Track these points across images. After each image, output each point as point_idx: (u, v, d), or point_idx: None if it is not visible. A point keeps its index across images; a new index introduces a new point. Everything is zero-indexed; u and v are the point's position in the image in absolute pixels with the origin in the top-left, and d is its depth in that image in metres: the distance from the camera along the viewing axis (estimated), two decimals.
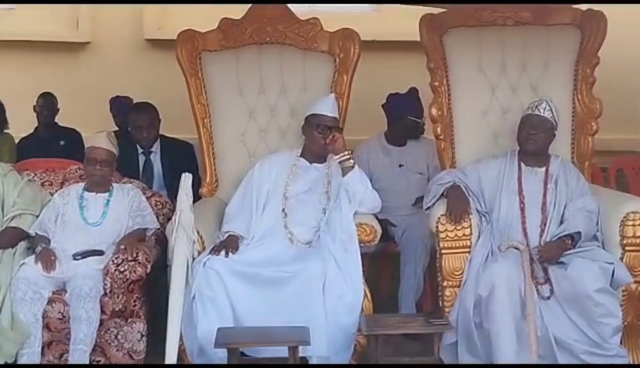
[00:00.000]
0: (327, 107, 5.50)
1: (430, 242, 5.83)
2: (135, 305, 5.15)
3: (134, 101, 6.89)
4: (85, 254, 5.22)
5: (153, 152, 6.48)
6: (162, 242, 5.40)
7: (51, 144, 7.08)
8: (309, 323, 4.82)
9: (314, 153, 5.52)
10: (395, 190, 6.29)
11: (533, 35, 5.75)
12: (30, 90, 7.45)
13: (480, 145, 5.70)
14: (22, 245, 5.39)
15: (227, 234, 5.30)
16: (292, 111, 5.91)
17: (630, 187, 6.81)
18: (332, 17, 6.22)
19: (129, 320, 5.14)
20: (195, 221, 5.05)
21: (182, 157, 6.39)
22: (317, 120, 5.47)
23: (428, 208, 5.35)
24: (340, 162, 5.34)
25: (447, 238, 5.19)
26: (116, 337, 5.13)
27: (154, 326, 5.21)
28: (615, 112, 6.32)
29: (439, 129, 5.71)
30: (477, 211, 5.33)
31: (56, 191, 5.65)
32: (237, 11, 6.02)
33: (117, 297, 5.10)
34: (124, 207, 5.47)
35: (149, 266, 5.15)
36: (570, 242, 5.12)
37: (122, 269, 5.09)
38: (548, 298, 5.01)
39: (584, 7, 5.78)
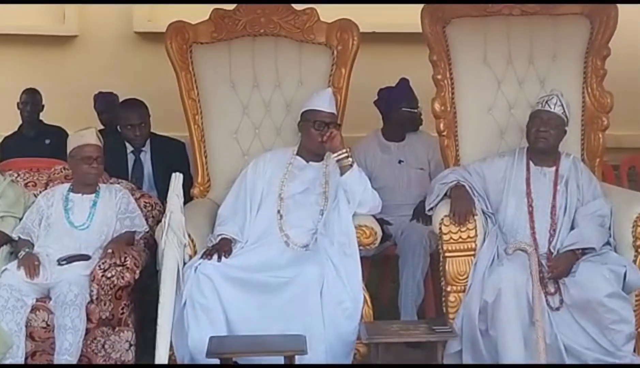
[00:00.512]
0: (324, 102, 5.31)
1: (429, 244, 5.68)
2: (123, 313, 4.98)
3: (124, 97, 6.66)
4: (70, 259, 5.03)
5: (143, 151, 6.28)
6: (151, 245, 5.25)
7: (36, 143, 6.89)
8: (306, 331, 4.65)
9: (311, 151, 5.32)
10: (395, 188, 6.10)
11: (540, 25, 5.57)
12: (14, 87, 7.23)
13: (485, 142, 5.53)
14: (4, 249, 5.22)
15: (219, 237, 5.11)
16: (287, 107, 5.72)
17: None
18: (329, 7, 6.00)
19: (117, 328, 4.97)
20: (186, 223, 4.88)
21: (174, 156, 6.19)
22: (313, 116, 5.27)
23: (431, 209, 5.15)
24: (337, 161, 5.13)
25: (451, 240, 5.00)
26: (103, 346, 4.96)
27: (143, 335, 5.03)
28: (627, 107, 6.18)
29: (442, 125, 5.53)
30: (483, 212, 5.14)
31: (40, 192, 5.48)
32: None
33: (104, 305, 4.93)
34: (112, 208, 5.29)
35: (137, 271, 4.98)
36: (580, 251, 4.94)
37: (109, 275, 4.91)
38: (557, 309, 4.84)
39: None
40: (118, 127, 6.29)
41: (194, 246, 5.01)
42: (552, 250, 5.01)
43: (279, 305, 4.81)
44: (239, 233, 5.15)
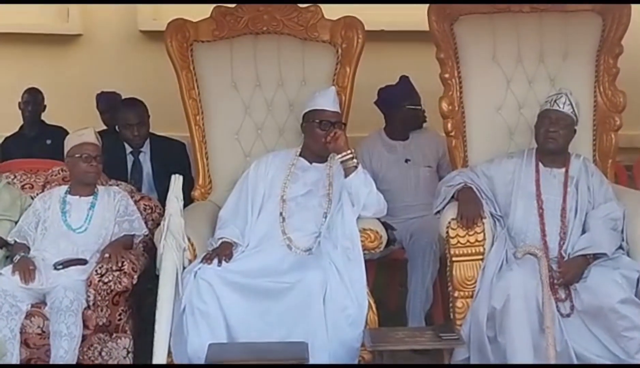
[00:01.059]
0: (328, 101, 5.19)
1: (440, 248, 5.54)
2: (120, 319, 4.88)
3: (124, 97, 6.61)
4: (66, 263, 4.94)
5: (142, 151, 6.19)
6: (150, 249, 5.14)
7: (37, 143, 6.82)
8: (308, 338, 4.54)
9: (315, 152, 5.20)
10: (403, 188, 5.98)
11: (551, 22, 5.44)
12: (16, 87, 7.15)
13: (494, 142, 5.40)
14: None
15: (220, 241, 4.99)
16: (290, 106, 5.60)
17: None
18: (333, 5, 5.87)
19: (114, 335, 4.87)
20: (186, 227, 4.78)
21: (174, 157, 6.10)
22: (318, 115, 5.15)
23: (438, 212, 5.01)
24: (342, 162, 4.99)
25: (459, 244, 4.86)
26: (100, 353, 4.85)
27: (141, 342, 4.93)
28: None
29: (449, 125, 5.41)
30: (491, 215, 5.00)
31: (37, 195, 5.39)
32: None
33: (101, 311, 4.83)
34: (110, 211, 5.20)
35: (135, 276, 4.88)
36: (592, 256, 4.81)
37: (106, 280, 4.82)
38: (568, 315, 4.71)
39: None
40: (117, 127, 6.22)
41: (194, 250, 4.90)
42: (562, 254, 4.88)
43: (280, 311, 4.70)
44: (239, 236, 5.03)
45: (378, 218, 5.09)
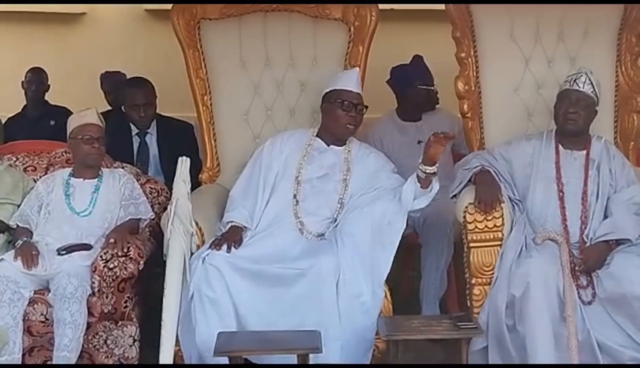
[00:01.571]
0: (352, 82, 5.04)
1: (454, 232, 5.40)
2: (126, 307, 4.76)
3: (131, 76, 6.47)
4: (70, 248, 4.82)
5: (149, 133, 6.07)
6: (157, 234, 5.01)
7: (40, 124, 6.71)
8: (320, 327, 4.40)
9: (334, 134, 5.04)
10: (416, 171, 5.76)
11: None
12: (19, 67, 7.08)
13: (512, 124, 5.26)
14: (1, 238, 5.02)
15: (229, 225, 4.85)
16: (301, 86, 5.48)
17: None
18: None
19: (120, 323, 4.75)
20: (193, 211, 4.65)
21: (181, 139, 5.98)
22: (341, 96, 4.99)
23: (454, 195, 4.87)
24: (427, 174, 4.72)
25: (476, 229, 4.70)
26: (105, 342, 4.74)
27: (148, 330, 4.81)
28: None
29: (466, 106, 5.27)
30: (509, 199, 4.85)
31: (40, 177, 5.27)
32: None
33: (106, 297, 4.71)
34: (115, 194, 5.08)
35: (141, 262, 4.76)
36: (614, 242, 4.67)
37: (111, 266, 4.70)
38: (590, 303, 4.57)
39: None
40: (123, 108, 6.11)
41: (202, 235, 4.79)
42: (584, 239, 4.74)
43: (291, 298, 4.57)
44: (249, 219, 4.89)
45: None
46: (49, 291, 4.67)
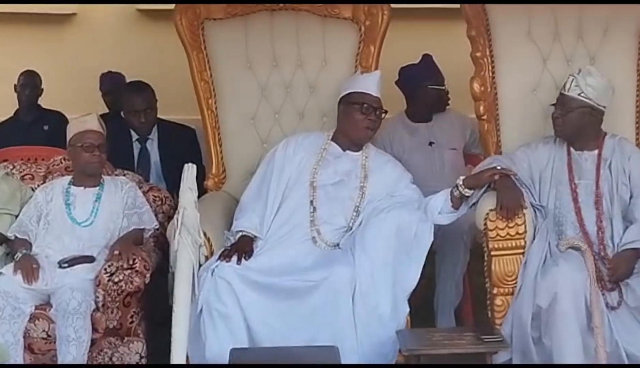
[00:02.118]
0: (373, 85, 4.87)
1: (470, 238, 5.27)
2: (132, 322, 4.62)
3: (130, 81, 6.36)
4: (72, 261, 4.67)
5: (150, 139, 5.92)
6: (162, 244, 4.87)
7: (34, 129, 6.56)
8: (336, 341, 4.27)
9: (352, 138, 4.87)
10: (428, 173, 5.67)
11: None
12: (9, 69, 6.92)
13: (529, 125, 5.09)
14: None
15: (239, 234, 4.69)
16: (310, 88, 5.34)
17: None
18: None
19: (126, 339, 4.62)
20: (200, 220, 4.44)
21: (183, 144, 5.85)
22: (360, 98, 4.82)
23: (474, 204, 4.69)
24: (463, 194, 4.61)
25: (498, 237, 4.53)
26: (111, 359, 4.61)
27: (155, 345, 4.66)
28: None
29: (481, 108, 5.10)
30: (531, 205, 4.68)
31: (38, 186, 5.10)
32: None
33: (111, 312, 4.57)
34: (118, 203, 4.92)
35: (147, 275, 4.61)
36: None
37: (116, 279, 4.55)
38: (616, 308, 4.42)
39: None
40: (122, 114, 5.95)
41: (210, 246, 4.63)
42: (605, 245, 4.59)
43: (305, 312, 4.43)
44: (259, 227, 4.73)
45: None
46: (51, 306, 4.51)
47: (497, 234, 4.53)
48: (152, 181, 5.68)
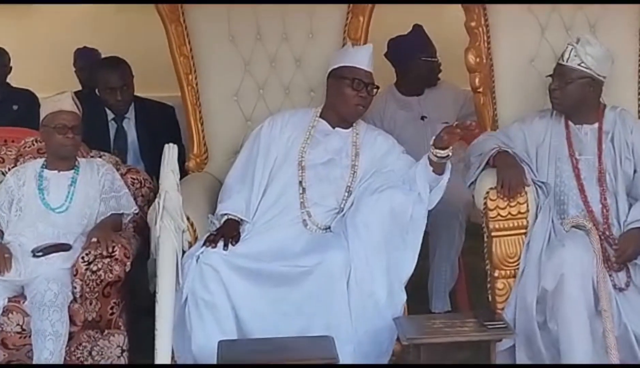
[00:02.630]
0: (364, 59, 4.64)
1: (465, 217, 5.17)
2: (112, 313, 4.40)
3: (104, 56, 6.17)
4: (47, 249, 4.44)
5: (126, 117, 5.72)
6: (142, 229, 4.66)
7: (2, 109, 6.31)
8: (330, 330, 4.09)
9: (342, 115, 4.65)
10: (420, 148, 5.34)
11: None
12: None
13: (528, 98, 4.90)
14: None
15: (224, 218, 4.48)
16: (296, 62, 5.13)
17: None
18: None
19: (106, 332, 4.41)
20: (183, 204, 4.25)
21: (162, 123, 5.65)
22: (351, 73, 4.60)
23: (472, 183, 4.50)
24: (441, 157, 4.37)
25: (499, 217, 4.34)
26: (90, 353, 4.39)
27: (137, 338, 4.47)
28: None
29: (477, 80, 4.90)
30: (532, 181, 4.48)
31: (9, 170, 4.86)
32: None
33: (90, 304, 4.35)
34: (94, 187, 4.70)
35: (128, 263, 4.38)
36: None
37: (94, 268, 4.32)
38: (623, 289, 4.26)
39: None
40: (97, 91, 5.75)
41: (194, 231, 4.43)
42: (609, 223, 4.41)
43: (297, 299, 4.22)
44: (245, 209, 4.52)
45: None
46: (25, 298, 4.30)
47: (498, 214, 4.35)
48: (129, 162, 5.50)
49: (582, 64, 4.45)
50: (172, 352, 4.10)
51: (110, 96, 5.64)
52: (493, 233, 4.36)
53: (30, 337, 4.22)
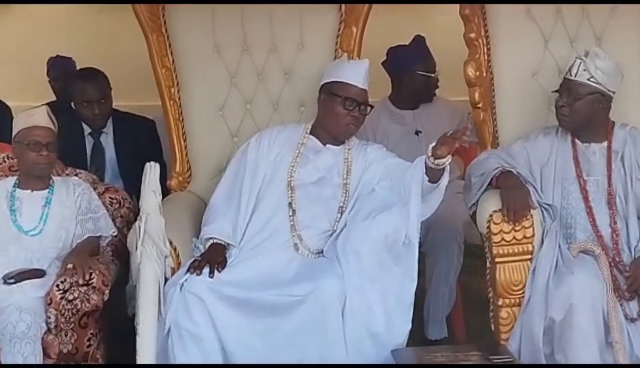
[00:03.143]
0: (359, 76, 4.44)
1: (463, 238, 5.01)
2: (90, 345, 4.19)
3: (80, 68, 5.97)
4: (19, 276, 4.23)
5: (104, 132, 5.55)
6: (120, 253, 4.49)
7: None
8: (324, 363, 3.97)
9: (332, 133, 4.46)
10: None
11: None
12: None
13: (530, 114, 4.78)
14: None
15: (209, 242, 4.28)
16: (285, 75, 4.98)
17: None
18: None
19: (83, 365, 4.20)
20: (165, 227, 4.04)
21: (142, 138, 5.52)
22: (345, 91, 4.40)
23: (473, 204, 4.33)
24: (438, 165, 4.10)
25: (503, 242, 4.17)
26: None
27: None
28: None
29: (476, 95, 4.78)
30: (538, 204, 4.30)
31: None
32: None
33: (65, 335, 4.14)
34: (70, 208, 4.51)
35: (106, 291, 4.18)
36: None
37: (70, 297, 4.11)
38: (634, 320, 4.09)
39: None
40: (72, 105, 5.55)
41: (177, 256, 4.24)
42: (619, 250, 4.25)
43: (289, 330, 4.03)
44: (231, 233, 4.33)
45: None
46: None
47: (502, 238, 4.19)
48: (107, 180, 5.33)
49: (592, 79, 4.29)
50: None
51: (87, 110, 5.48)
52: (497, 259, 4.20)
53: None
